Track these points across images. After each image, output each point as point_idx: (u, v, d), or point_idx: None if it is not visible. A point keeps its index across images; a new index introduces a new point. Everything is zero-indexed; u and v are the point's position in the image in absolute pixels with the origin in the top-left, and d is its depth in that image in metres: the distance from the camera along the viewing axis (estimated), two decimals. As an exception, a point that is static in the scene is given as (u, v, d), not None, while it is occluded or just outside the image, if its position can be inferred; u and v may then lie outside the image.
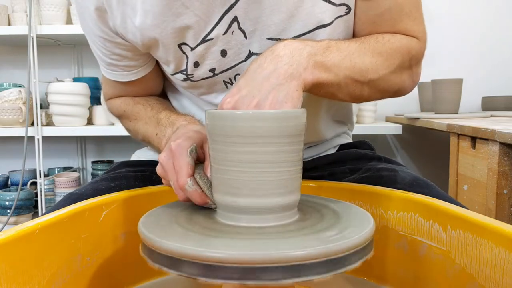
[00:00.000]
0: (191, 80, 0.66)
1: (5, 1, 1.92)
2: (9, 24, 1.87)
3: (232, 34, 0.61)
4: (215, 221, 0.43)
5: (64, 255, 0.47)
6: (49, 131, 1.79)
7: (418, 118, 1.59)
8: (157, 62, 0.72)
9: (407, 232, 0.51)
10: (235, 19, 0.60)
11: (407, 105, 2.03)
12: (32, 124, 1.78)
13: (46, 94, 1.86)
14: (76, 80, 1.89)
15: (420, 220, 0.50)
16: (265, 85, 0.46)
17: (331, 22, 0.59)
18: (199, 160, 0.49)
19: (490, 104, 1.83)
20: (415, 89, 1.88)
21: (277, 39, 0.60)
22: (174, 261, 0.36)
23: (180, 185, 0.46)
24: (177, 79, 0.68)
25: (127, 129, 0.76)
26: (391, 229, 0.53)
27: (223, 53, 0.63)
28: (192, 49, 0.63)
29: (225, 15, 0.60)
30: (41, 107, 1.84)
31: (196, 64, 0.64)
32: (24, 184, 1.85)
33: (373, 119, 1.88)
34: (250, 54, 0.63)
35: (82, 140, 2.16)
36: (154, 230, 0.39)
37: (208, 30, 0.61)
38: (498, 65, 2.00)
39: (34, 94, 1.76)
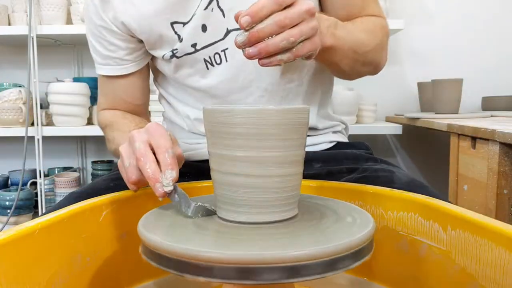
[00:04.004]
0: (176, 56, 0.73)
1: (5, 1, 1.92)
2: (9, 24, 1.87)
3: (212, 11, 0.69)
4: (215, 221, 0.43)
5: (64, 255, 0.47)
6: (49, 131, 1.79)
7: (418, 118, 1.59)
8: (146, 68, 0.81)
9: (407, 232, 0.51)
10: None
11: (407, 105, 2.03)
12: (32, 124, 1.77)
13: (46, 94, 1.86)
14: (76, 80, 1.89)
15: (420, 220, 0.50)
16: None
17: None
18: None
19: (490, 104, 1.83)
20: (415, 89, 1.90)
21: None
22: (173, 262, 0.36)
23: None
24: (166, 59, 0.74)
25: (107, 139, 0.79)
26: (391, 229, 0.53)
27: (204, 28, 0.70)
28: (185, 24, 0.70)
29: None
30: (41, 107, 1.84)
31: (180, 39, 0.72)
32: (24, 184, 1.84)
33: (373, 119, 1.88)
34: (228, 32, 0.70)
35: (82, 140, 2.16)
36: (153, 231, 0.39)
37: (196, 6, 0.69)
38: (498, 65, 2.00)
39: (34, 94, 1.76)
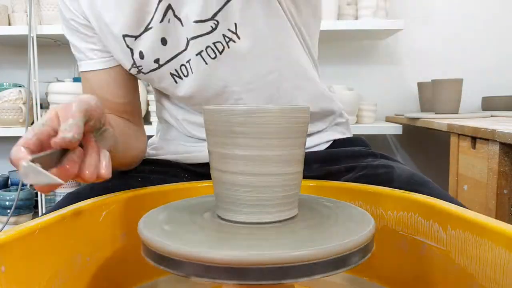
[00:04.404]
0: (143, 72, 0.70)
1: (5, 1, 1.92)
2: (9, 24, 1.87)
3: (168, 22, 0.65)
4: (215, 220, 0.43)
5: (64, 255, 0.46)
6: (49, 131, 1.78)
7: (418, 118, 1.60)
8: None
9: (407, 232, 0.51)
10: (169, 7, 0.64)
11: (407, 105, 2.03)
12: (32, 124, 1.77)
13: (46, 94, 1.86)
14: (76, 80, 1.89)
15: (420, 220, 0.50)
16: None
17: None
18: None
19: (490, 104, 1.84)
20: (415, 89, 1.90)
21: (201, 21, 0.65)
22: (173, 261, 0.36)
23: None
24: (133, 74, 0.72)
25: None
26: (391, 229, 0.53)
27: (163, 41, 0.67)
28: (136, 37, 0.67)
29: (160, 3, 0.64)
30: (41, 107, 1.84)
31: (141, 55, 0.68)
32: (24, 184, 1.84)
33: (373, 119, 1.88)
34: (188, 42, 0.67)
35: (82, 140, 2.16)
36: (153, 230, 0.39)
37: (149, 19, 0.65)
38: (498, 65, 2.00)
39: (34, 94, 1.76)
